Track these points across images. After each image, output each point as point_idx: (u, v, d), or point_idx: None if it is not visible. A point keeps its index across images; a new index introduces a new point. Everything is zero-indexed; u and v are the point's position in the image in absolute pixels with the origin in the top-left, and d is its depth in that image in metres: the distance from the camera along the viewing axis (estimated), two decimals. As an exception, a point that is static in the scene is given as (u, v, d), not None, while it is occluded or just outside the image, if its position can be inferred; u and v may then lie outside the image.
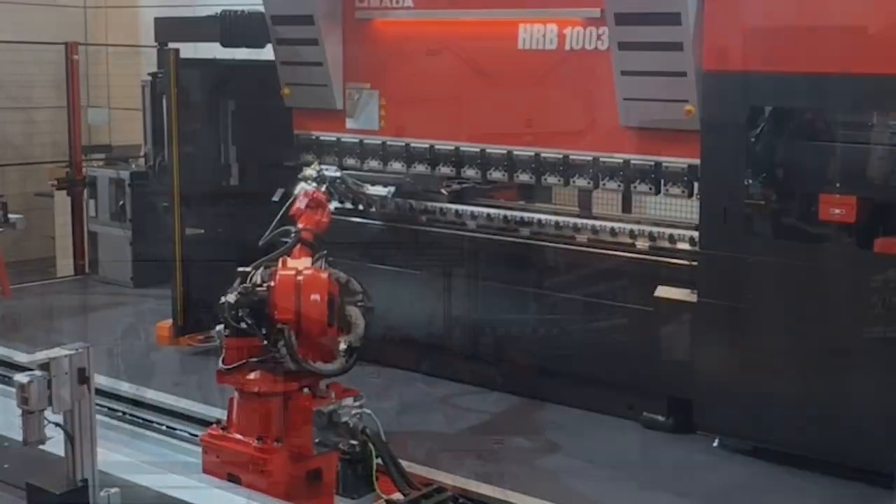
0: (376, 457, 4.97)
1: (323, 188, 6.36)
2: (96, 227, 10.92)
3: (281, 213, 6.12)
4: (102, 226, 10.83)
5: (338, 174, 7.14)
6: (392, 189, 7.67)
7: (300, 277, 5.06)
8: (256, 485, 4.94)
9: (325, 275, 5.16)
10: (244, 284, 5.16)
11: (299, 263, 5.30)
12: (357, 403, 5.12)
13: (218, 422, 5.35)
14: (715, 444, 6.42)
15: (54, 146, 11.52)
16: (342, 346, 5.13)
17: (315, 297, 5.03)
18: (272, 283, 5.08)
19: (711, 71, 6.13)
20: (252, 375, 5.11)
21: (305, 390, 5.12)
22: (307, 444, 5.03)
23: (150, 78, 9.51)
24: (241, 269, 5.26)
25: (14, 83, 11.73)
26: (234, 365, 5.11)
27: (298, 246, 5.55)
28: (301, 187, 6.17)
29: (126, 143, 11.53)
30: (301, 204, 5.91)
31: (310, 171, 6.49)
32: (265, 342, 5.04)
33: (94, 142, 11.84)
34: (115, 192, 10.63)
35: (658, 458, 6.34)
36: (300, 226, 5.75)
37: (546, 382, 7.17)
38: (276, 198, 7.83)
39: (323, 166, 6.82)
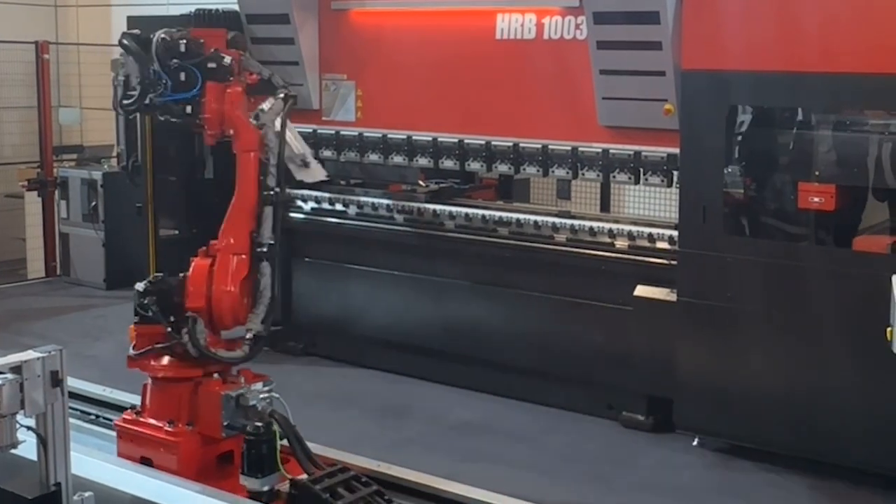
0: (281, 438, 5.13)
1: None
2: (68, 229, 10.85)
3: None
4: (74, 227, 10.77)
5: None
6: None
7: (215, 266, 5.27)
8: (168, 466, 5.19)
9: (238, 263, 5.29)
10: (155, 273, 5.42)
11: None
12: (266, 388, 5.30)
13: (132, 407, 5.56)
14: (694, 442, 6.46)
15: (25, 147, 11.43)
16: (248, 335, 5.31)
17: (226, 287, 5.23)
18: (187, 273, 5.30)
19: (690, 70, 6.16)
20: (163, 362, 5.34)
21: (216, 376, 5.33)
22: (216, 427, 5.23)
23: (123, 78, 9.43)
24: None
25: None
26: (142, 351, 5.34)
27: None
28: None
29: (98, 144, 11.46)
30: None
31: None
32: (169, 330, 5.25)
33: (65, 142, 11.77)
34: (88, 193, 10.58)
35: (637, 457, 6.37)
36: None
37: (524, 382, 7.19)
38: None
39: None
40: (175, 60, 5.30)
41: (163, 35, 5.36)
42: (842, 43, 5.68)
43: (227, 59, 5.36)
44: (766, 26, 5.92)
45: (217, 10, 8.37)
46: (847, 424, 5.81)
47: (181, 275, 5.33)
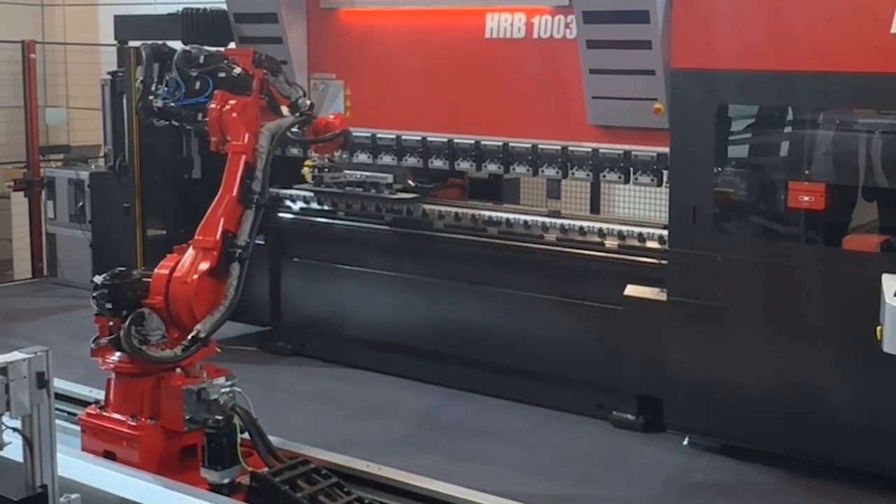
0: (242, 432, 5.20)
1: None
2: (55, 229, 10.82)
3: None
4: (61, 227, 10.74)
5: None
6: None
7: (179, 264, 5.37)
8: (130, 460, 5.27)
9: (201, 261, 5.35)
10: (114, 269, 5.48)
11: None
12: (229, 383, 5.37)
13: (97, 402, 5.65)
14: (685, 442, 6.47)
15: (11, 147, 11.40)
16: (192, 335, 5.34)
17: (183, 285, 5.30)
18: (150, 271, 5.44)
19: (680, 69, 6.17)
20: (116, 356, 5.42)
21: (178, 370, 5.40)
22: (178, 421, 5.31)
23: (109, 77, 9.43)
24: None
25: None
26: (93, 343, 5.48)
27: None
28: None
29: (85, 144, 11.43)
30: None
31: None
32: (110, 324, 5.37)
33: (52, 142, 11.75)
34: (75, 194, 10.55)
35: (627, 457, 6.38)
36: None
37: (514, 382, 7.19)
38: None
39: None
40: (193, 70, 5.53)
41: (187, 48, 5.62)
42: (832, 42, 5.69)
43: (238, 70, 5.52)
44: (756, 25, 5.93)
45: (204, 9, 8.37)
46: (838, 424, 5.82)
47: (143, 270, 5.49)
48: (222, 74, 5.50)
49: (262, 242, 7.74)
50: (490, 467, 6.15)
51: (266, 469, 5.19)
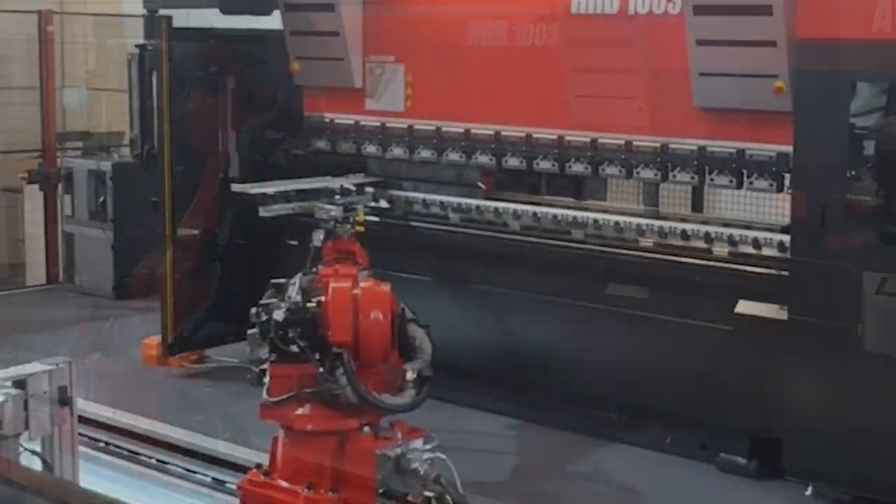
0: None
1: (346, 232, 5.85)
2: (72, 228, 10.90)
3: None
4: (80, 226, 10.81)
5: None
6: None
7: (357, 291, 5.00)
8: None
9: (386, 287, 5.10)
10: (291, 298, 5.05)
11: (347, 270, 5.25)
12: (428, 446, 5.04)
13: (258, 466, 5.24)
14: (808, 492, 6.30)
15: (24, 133, 11.49)
16: (410, 376, 5.05)
17: (377, 314, 5.00)
18: (323, 298, 4.99)
19: (807, 40, 6.00)
20: (302, 410, 5.01)
21: (366, 429, 5.03)
22: (369, 495, 4.94)
23: (137, 51, 9.43)
24: (275, 280, 5.10)
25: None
26: (284, 397, 5.00)
27: None
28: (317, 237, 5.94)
29: (107, 130, 11.49)
30: (329, 267, 5.58)
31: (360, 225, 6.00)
32: (321, 370, 4.94)
33: (69, 128, 11.87)
34: (95, 187, 10.61)
35: (738, 510, 6.24)
36: None
37: (601, 416, 7.08)
38: None
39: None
40: None
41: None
42: None
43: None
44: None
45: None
46: None
47: (314, 301, 5.04)
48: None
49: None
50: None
51: None
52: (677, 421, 6.79)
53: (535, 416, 7.29)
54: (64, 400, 4.07)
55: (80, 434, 4.57)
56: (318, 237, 5.60)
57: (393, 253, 7.82)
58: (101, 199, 10.53)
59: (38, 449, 4.11)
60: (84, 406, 5.76)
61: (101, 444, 6.52)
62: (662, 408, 6.84)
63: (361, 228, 5.75)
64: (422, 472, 4.91)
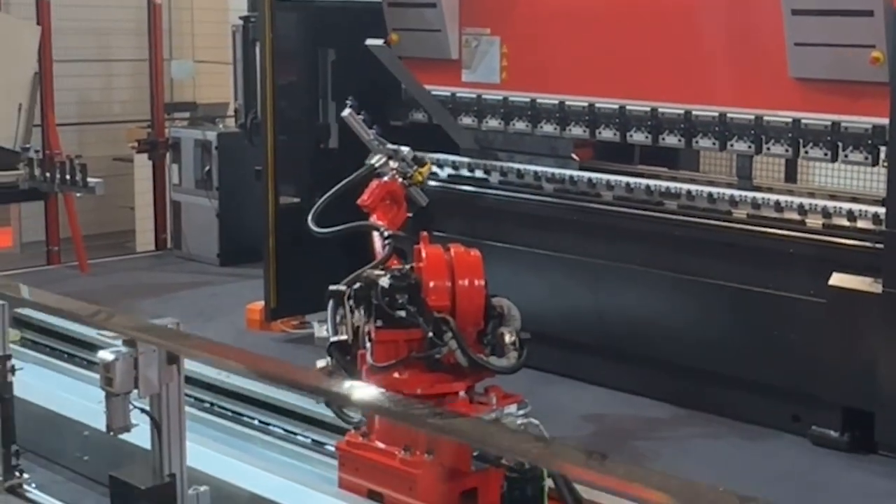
0: (547, 476, 4.72)
1: (400, 180, 6.04)
2: (180, 197, 11.10)
3: (341, 187, 5.96)
4: (186, 195, 11.00)
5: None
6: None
7: (449, 257, 5.02)
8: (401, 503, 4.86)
9: (476, 253, 5.10)
10: (398, 266, 5.09)
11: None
12: (522, 412, 4.99)
13: (356, 427, 5.21)
14: (901, 466, 6.19)
15: (134, 103, 11.72)
16: (509, 339, 5.02)
17: (472, 279, 5.00)
18: (419, 264, 5.00)
19: (905, 9, 5.83)
20: (403, 374, 4.97)
21: (461, 394, 4.98)
22: (465, 459, 4.90)
23: (241, 22, 9.56)
24: (332, 287, 5.13)
25: (90, 31, 11.95)
26: (393, 362, 4.97)
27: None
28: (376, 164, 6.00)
29: (212, 101, 11.66)
30: (375, 197, 5.78)
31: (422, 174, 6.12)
32: (430, 334, 4.91)
33: (176, 99, 12.04)
34: (201, 156, 10.79)
35: (829, 483, 6.13)
36: (382, 225, 5.65)
37: (692, 386, 7.03)
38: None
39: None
40: None
41: None
42: None
43: None
44: None
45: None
46: None
47: (406, 266, 5.08)
48: None
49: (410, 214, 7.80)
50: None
51: None
52: (769, 393, 6.70)
53: (627, 386, 7.26)
54: (172, 359, 4.08)
55: (187, 395, 4.59)
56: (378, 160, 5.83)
57: (484, 221, 7.92)
58: (207, 168, 10.71)
59: (146, 407, 4.15)
60: (190, 367, 5.91)
61: (207, 405, 6.63)
62: (753, 379, 6.75)
63: (420, 178, 5.85)
64: None
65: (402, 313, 4.90)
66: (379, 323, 4.96)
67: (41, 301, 4.97)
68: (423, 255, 5.04)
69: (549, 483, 4.66)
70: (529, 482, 4.64)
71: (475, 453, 4.91)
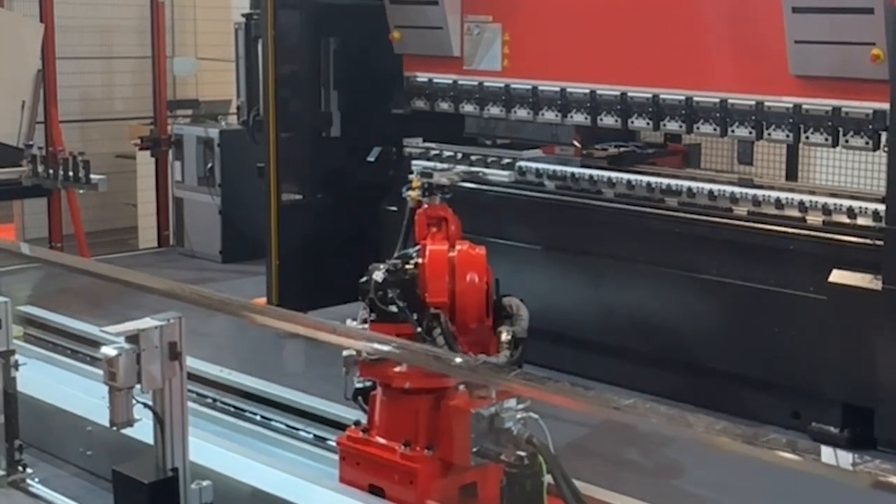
0: (546, 472, 4.70)
1: (437, 200, 5.95)
2: (182, 193, 11.09)
3: (405, 228, 5.87)
4: (189, 192, 10.99)
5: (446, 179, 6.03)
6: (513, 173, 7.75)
7: (453, 253, 5.02)
8: (402, 498, 4.88)
9: (481, 250, 5.08)
10: (392, 260, 5.07)
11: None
12: (521, 406, 4.89)
13: (357, 423, 5.25)
14: (901, 463, 6.14)
15: (137, 100, 11.72)
16: (505, 337, 5.03)
17: (472, 277, 5.00)
18: (421, 261, 5.01)
19: (905, 6, 5.83)
20: (400, 368, 4.98)
21: (461, 388, 4.95)
22: (464, 453, 4.85)
23: (243, 20, 9.55)
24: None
25: (93, 29, 11.95)
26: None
27: None
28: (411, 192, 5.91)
29: (214, 98, 11.65)
30: (419, 236, 5.50)
31: (414, 193, 5.98)
32: (419, 329, 4.93)
33: (179, 96, 12.03)
34: (204, 153, 10.78)
35: (829, 480, 6.03)
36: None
37: (693, 382, 7.02)
38: (371, 158, 8.00)
39: (426, 175, 6.29)
40: None
41: None
42: None
43: None
44: None
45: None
46: None
47: (412, 262, 5.06)
48: None
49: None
50: (663, 481, 6.05)
51: None
52: (769, 389, 6.69)
53: (626, 382, 7.20)
54: (174, 355, 4.12)
55: (189, 390, 4.61)
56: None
57: (484, 217, 7.89)
58: (210, 164, 10.70)
59: (149, 402, 4.18)
60: (192, 363, 5.89)
61: (209, 401, 6.63)
62: (754, 375, 6.74)
63: (413, 194, 5.62)
64: (515, 432, 4.77)
65: (394, 308, 4.93)
66: (373, 316, 5.00)
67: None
68: (427, 253, 5.04)
69: (548, 479, 4.65)
70: (529, 478, 4.61)
71: (474, 449, 4.92)
